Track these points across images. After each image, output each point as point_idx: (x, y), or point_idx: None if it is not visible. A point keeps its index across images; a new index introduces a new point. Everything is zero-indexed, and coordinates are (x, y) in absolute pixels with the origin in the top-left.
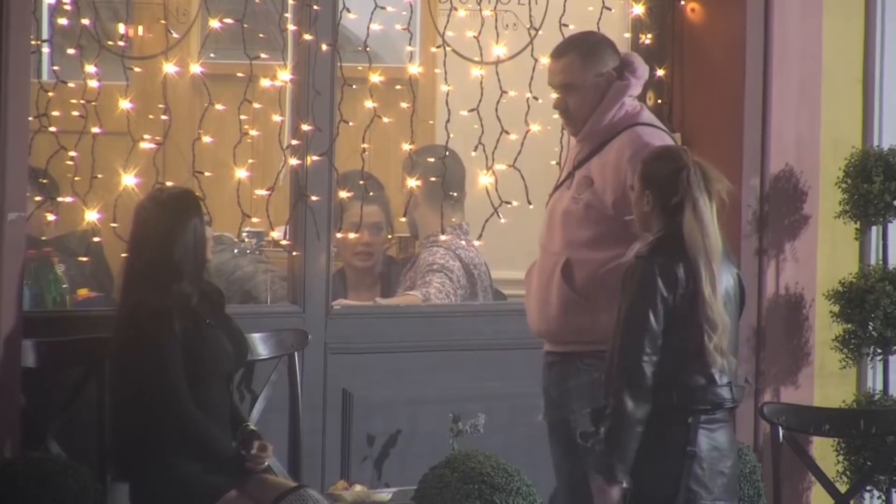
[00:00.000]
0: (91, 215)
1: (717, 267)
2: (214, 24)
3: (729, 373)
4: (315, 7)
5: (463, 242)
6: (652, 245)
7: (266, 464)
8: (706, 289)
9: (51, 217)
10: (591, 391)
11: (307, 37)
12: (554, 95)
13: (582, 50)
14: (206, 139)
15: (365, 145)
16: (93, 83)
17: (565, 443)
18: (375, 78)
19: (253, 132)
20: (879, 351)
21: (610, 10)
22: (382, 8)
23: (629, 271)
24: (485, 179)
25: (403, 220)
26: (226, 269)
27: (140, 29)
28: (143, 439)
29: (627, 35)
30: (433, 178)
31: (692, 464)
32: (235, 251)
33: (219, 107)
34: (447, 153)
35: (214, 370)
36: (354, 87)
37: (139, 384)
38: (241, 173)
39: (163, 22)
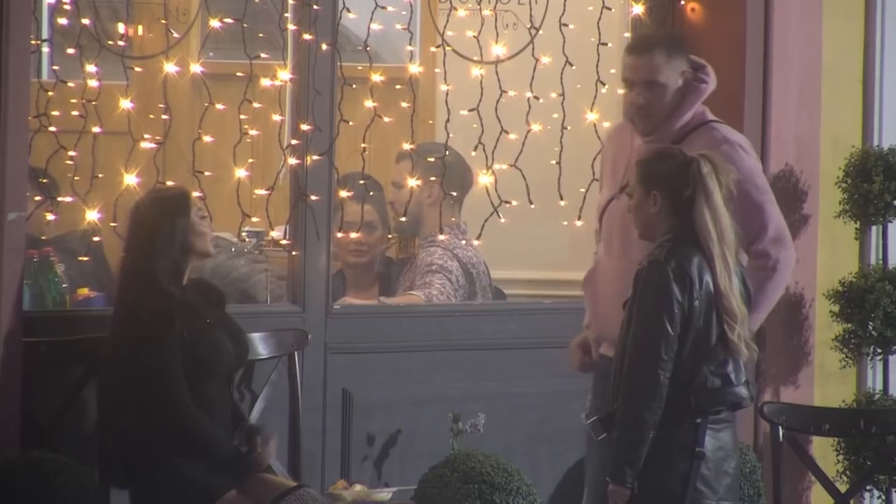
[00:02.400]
0: (91, 215)
1: (732, 259)
2: (214, 23)
3: (752, 363)
4: (315, 7)
5: (462, 242)
6: (663, 248)
7: (271, 458)
8: (723, 280)
9: (51, 217)
10: None
11: (307, 36)
12: (621, 91)
13: (668, 47)
14: (207, 139)
15: (365, 145)
16: (93, 83)
17: (606, 452)
18: (375, 78)
19: (253, 132)
20: (879, 351)
21: (610, 9)
22: (382, 8)
23: (641, 275)
24: (485, 179)
25: (404, 219)
26: (222, 271)
27: (140, 28)
28: (143, 439)
29: (627, 35)
30: (432, 178)
31: (700, 464)
32: (233, 250)
33: (219, 106)
34: (447, 152)
35: (215, 369)
36: (354, 86)
37: (139, 384)
38: (241, 173)
39: (163, 21)
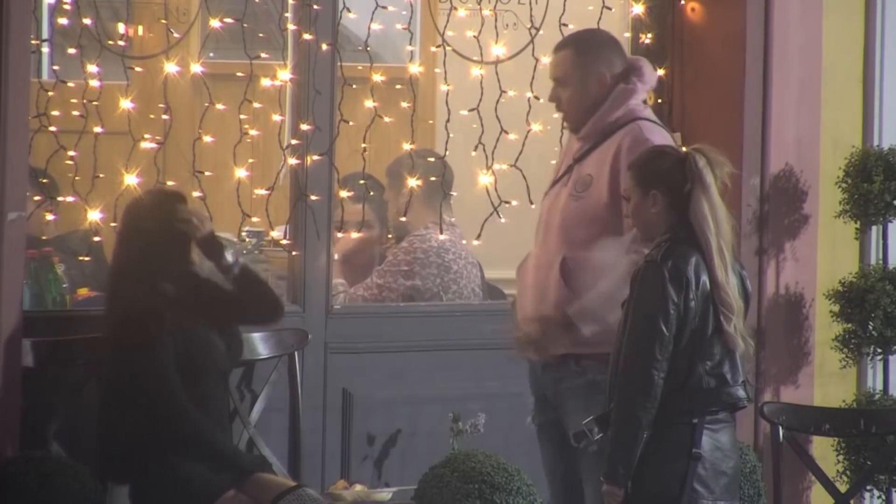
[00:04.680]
0: (92, 215)
1: (728, 253)
2: (215, 23)
3: (749, 360)
4: (315, 7)
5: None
6: (661, 248)
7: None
8: (720, 273)
9: (51, 217)
10: (587, 393)
11: (307, 36)
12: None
13: (579, 46)
14: (207, 139)
15: (365, 145)
16: (93, 83)
17: (559, 443)
18: (376, 78)
19: (253, 132)
20: (879, 351)
21: (610, 9)
22: (383, 7)
23: (638, 275)
24: (485, 179)
25: (404, 219)
26: None
27: (140, 28)
28: (140, 439)
29: (627, 35)
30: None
31: (696, 465)
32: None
33: (219, 106)
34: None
35: (209, 368)
36: (354, 86)
37: (135, 383)
38: (241, 173)
39: (163, 21)
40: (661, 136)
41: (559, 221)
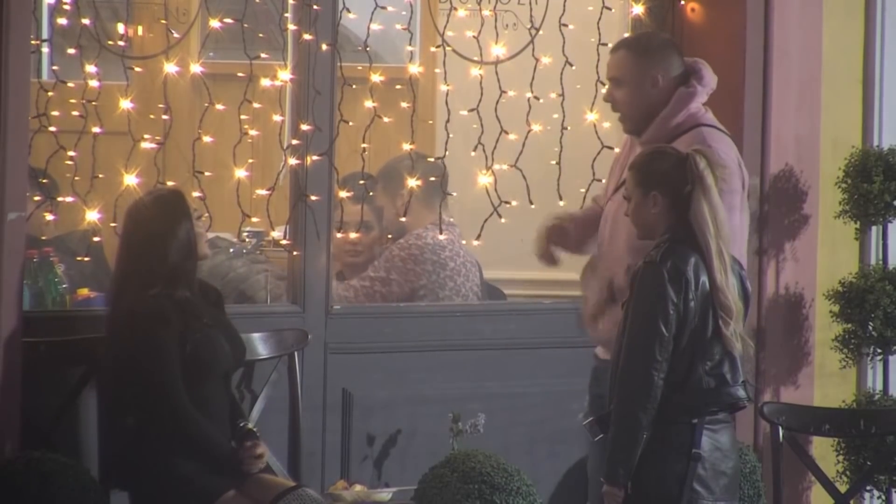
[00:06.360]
0: (91, 215)
1: (727, 255)
2: (214, 23)
3: (749, 360)
4: (315, 7)
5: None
6: (660, 248)
7: (261, 465)
8: (719, 276)
9: (51, 217)
10: None
11: (307, 37)
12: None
13: (635, 47)
14: (207, 139)
15: (365, 145)
16: (93, 83)
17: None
18: (375, 78)
19: (253, 132)
20: (879, 351)
21: (610, 9)
22: (382, 8)
23: (637, 275)
24: (484, 179)
25: (404, 219)
26: (219, 272)
27: (140, 29)
28: (141, 440)
29: (627, 35)
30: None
31: (696, 465)
32: (231, 251)
33: (219, 107)
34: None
35: (212, 370)
36: (354, 86)
37: (137, 385)
38: (241, 173)
39: (163, 22)
40: (724, 143)
41: (625, 229)
